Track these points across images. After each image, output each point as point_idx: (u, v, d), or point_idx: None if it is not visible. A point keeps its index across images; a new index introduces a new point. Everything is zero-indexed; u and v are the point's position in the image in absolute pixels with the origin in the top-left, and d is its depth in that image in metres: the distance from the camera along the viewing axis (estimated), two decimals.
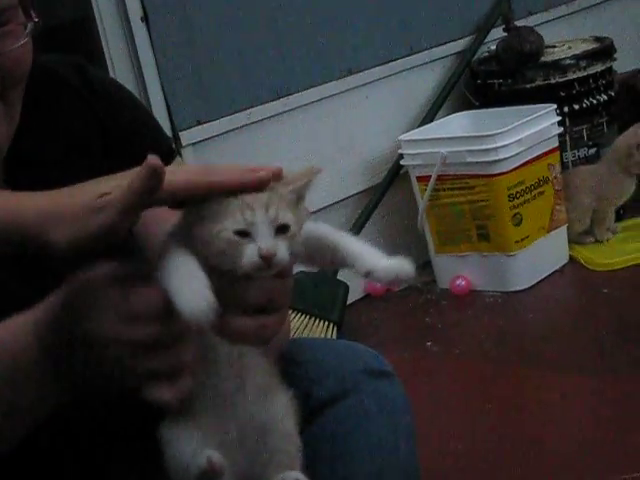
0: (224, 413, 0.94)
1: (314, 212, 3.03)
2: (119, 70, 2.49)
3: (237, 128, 2.64)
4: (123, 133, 1.16)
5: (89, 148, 1.15)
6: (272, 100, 2.72)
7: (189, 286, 0.84)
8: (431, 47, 3.12)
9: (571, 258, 2.90)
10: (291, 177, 0.91)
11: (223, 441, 0.93)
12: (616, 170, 2.93)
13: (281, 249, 0.85)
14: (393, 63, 3.01)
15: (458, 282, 2.83)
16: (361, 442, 1.11)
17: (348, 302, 2.77)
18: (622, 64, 3.30)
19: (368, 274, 0.93)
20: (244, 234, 0.85)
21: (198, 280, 0.84)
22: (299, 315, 2.56)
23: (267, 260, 0.85)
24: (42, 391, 0.92)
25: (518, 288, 2.77)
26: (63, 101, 1.16)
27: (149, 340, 0.88)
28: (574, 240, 2.94)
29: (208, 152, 2.57)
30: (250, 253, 0.85)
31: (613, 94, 3.15)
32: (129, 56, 2.51)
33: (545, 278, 2.81)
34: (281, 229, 0.86)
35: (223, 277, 0.86)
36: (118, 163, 0.94)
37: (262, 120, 2.69)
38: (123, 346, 0.88)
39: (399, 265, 0.92)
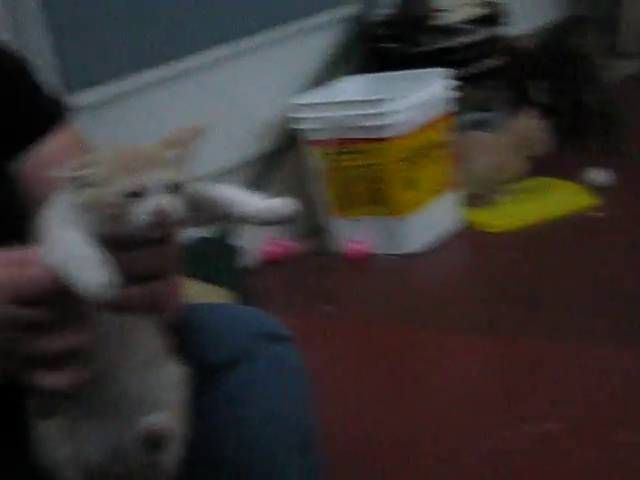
0: (106, 386, 0.92)
1: (208, 178, 3.00)
2: None
3: (129, 92, 2.59)
4: None
5: None
6: (164, 64, 2.67)
7: (84, 260, 0.81)
8: (325, 9, 3.11)
9: (465, 220, 2.94)
10: (174, 137, 0.89)
11: (97, 413, 0.92)
12: (513, 148, 2.98)
13: (173, 205, 0.84)
14: (286, 26, 2.99)
15: (354, 246, 2.85)
16: (256, 407, 1.10)
17: (245, 267, 2.77)
18: (512, 28, 3.34)
19: (252, 218, 0.90)
20: (134, 195, 0.83)
21: (93, 252, 0.81)
22: (194, 282, 2.54)
23: (160, 216, 0.83)
24: None
25: (413, 251, 2.80)
26: None
27: (37, 322, 0.84)
28: (468, 202, 2.98)
29: (101, 116, 2.51)
30: (142, 211, 0.83)
31: (504, 58, 3.19)
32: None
33: (440, 240, 2.85)
34: (170, 188, 0.85)
35: (109, 246, 0.84)
36: None
37: (155, 84, 2.65)
38: (8, 328, 0.85)
39: (281, 203, 0.89)
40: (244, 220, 0.91)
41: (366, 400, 2.08)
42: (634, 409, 1.86)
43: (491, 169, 2.98)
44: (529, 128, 3.01)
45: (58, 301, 0.83)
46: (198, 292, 2.51)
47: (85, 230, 0.83)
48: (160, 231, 0.84)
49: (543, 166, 3.04)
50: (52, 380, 0.86)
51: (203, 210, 0.92)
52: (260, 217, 0.90)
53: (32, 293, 0.83)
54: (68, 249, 0.82)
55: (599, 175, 3.01)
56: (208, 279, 2.58)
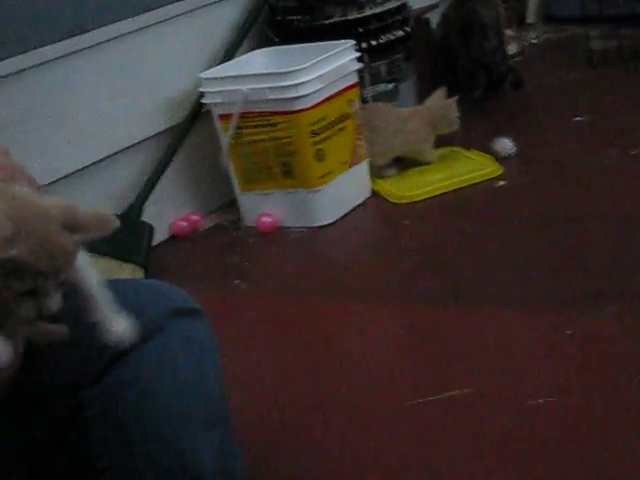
0: None
1: (117, 153, 2.97)
2: None
3: (29, 68, 2.52)
4: None
5: None
6: (65, 39, 2.61)
7: None
8: None
9: (374, 192, 2.96)
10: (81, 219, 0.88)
11: None
12: (424, 123, 3.01)
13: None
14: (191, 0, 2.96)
15: (264, 219, 2.85)
16: (167, 383, 1.10)
17: (154, 243, 2.75)
18: (415, 0, 3.37)
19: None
20: None
21: None
22: (103, 258, 2.51)
23: None
24: None
25: (323, 223, 2.81)
26: None
27: None
28: (376, 174, 3.00)
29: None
30: None
31: (409, 30, 3.21)
32: None
33: (349, 212, 2.87)
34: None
35: None
36: None
37: (55, 59, 2.59)
38: None
39: (122, 331, 1.00)
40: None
41: (280, 372, 2.09)
42: (544, 374, 1.90)
43: (397, 140, 3.01)
44: (442, 105, 3.03)
45: None
46: (108, 269, 2.48)
47: None
48: None
49: (450, 136, 3.08)
50: None
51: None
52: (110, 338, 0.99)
53: None
54: None
55: (503, 145, 3.05)
56: (117, 256, 2.55)
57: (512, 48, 3.86)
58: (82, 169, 2.67)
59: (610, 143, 3.02)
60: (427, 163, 3.05)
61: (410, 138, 3.02)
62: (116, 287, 1.17)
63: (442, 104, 3.04)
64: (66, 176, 2.61)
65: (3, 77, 2.46)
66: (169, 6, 2.89)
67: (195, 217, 2.94)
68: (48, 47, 2.57)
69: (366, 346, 2.15)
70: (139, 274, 2.59)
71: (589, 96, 3.49)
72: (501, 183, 2.88)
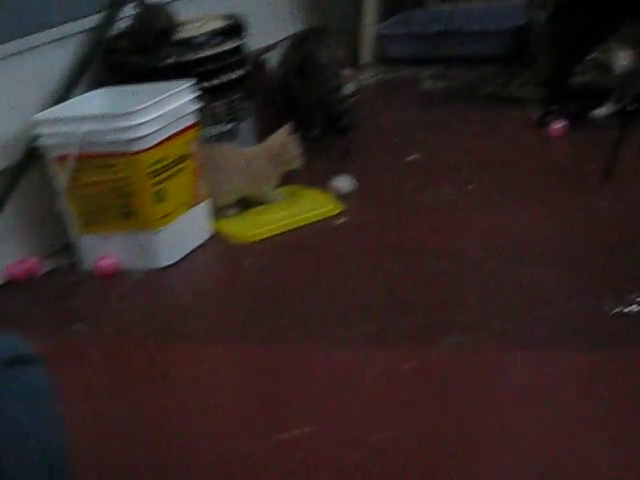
0: None
1: None
2: None
3: None
4: None
5: None
6: None
7: None
8: (64, 23, 3.04)
9: (215, 232, 2.96)
10: None
11: None
12: (267, 160, 3.04)
13: None
14: (23, 39, 2.90)
15: (104, 262, 2.80)
16: (2, 434, 1.07)
17: None
18: (252, 41, 3.40)
19: None
20: None
21: None
22: None
23: None
24: None
25: (164, 264, 2.79)
26: None
27: None
28: (218, 214, 3.00)
29: None
30: None
31: (247, 70, 3.24)
32: None
33: (191, 253, 2.85)
34: None
35: None
36: None
37: None
38: None
39: None
40: None
41: (121, 417, 2.05)
42: (384, 409, 1.93)
43: (240, 180, 3.02)
44: (284, 144, 3.07)
45: None
46: None
47: None
48: None
49: (291, 174, 3.11)
50: None
51: None
52: None
53: None
54: None
55: (343, 182, 3.11)
56: None
57: (348, 88, 3.94)
58: None
59: (444, 180, 3.12)
60: (269, 202, 3.07)
61: (255, 178, 3.04)
62: None
63: (283, 142, 3.08)
64: None
65: None
66: (5, 44, 2.82)
67: (31, 261, 2.86)
68: None
69: (207, 388, 2.14)
70: None
71: (423, 135, 3.60)
72: (341, 220, 2.93)
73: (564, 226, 2.67)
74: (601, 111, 3.44)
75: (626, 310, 2.14)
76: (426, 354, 2.11)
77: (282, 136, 3.09)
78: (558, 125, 3.35)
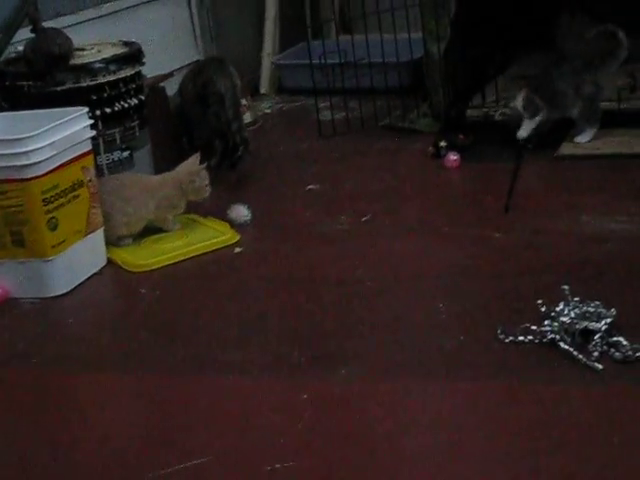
0: None
1: None
2: None
3: None
4: None
5: None
6: None
7: None
8: None
9: (110, 260, 2.91)
10: None
11: None
12: (174, 191, 3.01)
13: None
14: None
15: None
16: None
17: None
18: (150, 68, 3.38)
19: None
20: None
21: None
22: None
23: None
24: None
25: (58, 293, 2.73)
26: None
27: None
28: (112, 243, 2.96)
29: None
30: None
31: (143, 98, 3.21)
32: None
33: (85, 281, 2.80)
34: None
35: None
36: None
37: None
38: None
39: None
40: None
41: (13, 448, 1.99)
42: (282, 438, 1.91)
43: (146, 209, 2.99)
44: (192, 173, 3.04)
45: None
46: None
47: None
48: None
49: (190, 204, 3.09)
50: None
51: None
52: None
53: None
54: None
55: (239, 212, 3.10)
56: None
57: (246, 117, 3.94)
58: None
59: (341, 210, 3.13)
60: (167, 231, 3.04)
61: (161, 206, 3.01)
62: None
63: (192, 171, 3.05)
64: None
65: None
66: None
67: None
68: None
69: (102, 419, 2.10)
70: None
71: (321, 165, 3.62)
72: (238, 250, 2.91)
73: (459, 257, 2.71)
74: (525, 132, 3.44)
75: (519, 339, 2.18)
76: (322, 384, 2.10)
77: (191, 165, 3.06)
78: (454, 157, 3.41)
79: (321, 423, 1.96)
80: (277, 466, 1.80)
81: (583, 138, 3.41)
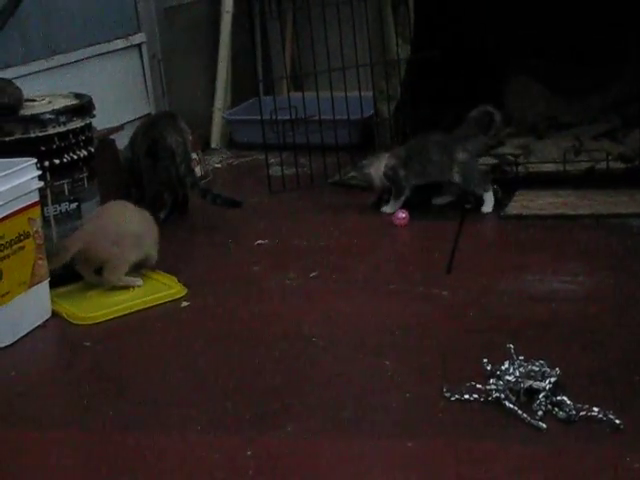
0: None
1: None
2: None
3: None
4: None
5: None
6: None
7: None
8: None
9: (54, 312, 2.87)
10: None
11: None
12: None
13: None
14: None
15: None
16: None
17: None
18: (100, 120, 3.37)
19: None
20: None
21: None
22: None
23: None
24: None
25: (0, 345, 2.69)
26: None
27: None
28: (57, 295, 2.93)
29: None
30: None
31: (93, 149, 3.20)
32: None
33: (28, 334, 2.76)
34: None
35: None
36: None
37: None
38: None
39: None
40: None
41: None
42: None
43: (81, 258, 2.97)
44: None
45: None
46: None
47: None
48: None
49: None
50: None
51: None
52: None
53: None
54: None
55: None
56: None
57: (197, 172, 3.94)
58: None
59: (290, 265, 3.13)
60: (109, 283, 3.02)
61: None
62: None
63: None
64: None
65: None
66: None
67: None
68: None
69: (46, 476, 2.05)
70: None
71: (270, 220, 3.62)
72: (184, 304, 2.89)
73: (406, 315, 2.71)
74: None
75: (465, 397, 2.18)
76: (267, 440, 2.09)
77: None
78: (403, 215, 3.43)
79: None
80: None
81: (487, 208, 3.48)
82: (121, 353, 2.63)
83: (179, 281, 3.02)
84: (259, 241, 3.38)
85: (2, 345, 2.69)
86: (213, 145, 4.73)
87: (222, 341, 2.64)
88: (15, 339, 2.72)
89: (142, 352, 2.62)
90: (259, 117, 3.96)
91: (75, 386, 2.46)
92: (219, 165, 4.48)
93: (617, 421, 2.03)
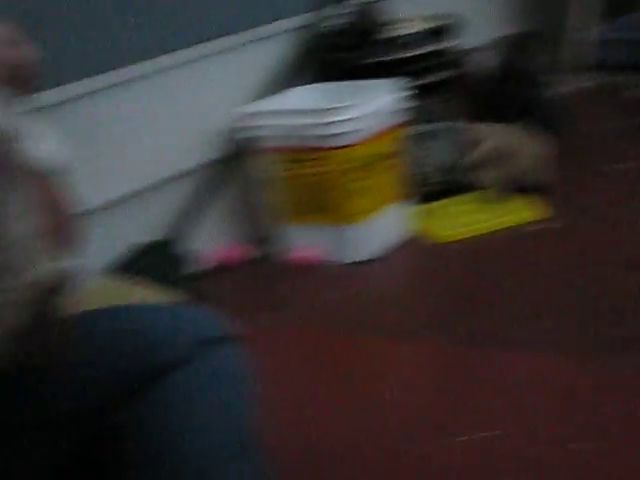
0: None
1: (159, 182, 2.99)
2: None
3: (74, 98, 2.57)
4: None
5: None
6: (110, 70, 2.67)
7: None
8: (276, 20, 3.13)
9: (415, 230, 2.96)
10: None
11: None
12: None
13: None
14: (241, 34, 3.01)
15: (302, 253, 2.86)
16: (196, 410, 1.10)
17: (195, 273, 2.77)
18: (465, 42, 3.38)
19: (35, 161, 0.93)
20: None
21: None
22: (141, 286, 2.54)
23: None
24: None
25: (362, 259, 2.82)
26: None
27: None
28: (419, 212, 3.01)
29: (58, 117, 2.48)
30: None
31: (456, 70, 3.23)
32: None
33: (389, 249, 2.87)
34: None
35: None
36: None
37: (101, 90, 2.63)
38: None
39: (53, 156, 0.94)
40: None
41: (311, 408, 2.09)
42: (592, 419, 1.88)
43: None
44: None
45: None
46: (146, 295, 2.51)
47: None
48: None
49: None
50: None
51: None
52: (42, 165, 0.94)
53: None
54: None
55: None
56: (156, 283, 2.58)
57: (553, 93, 3.86)
58: (124, 197, 2.71)
59: None
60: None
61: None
62: (147, 312, 1.19)
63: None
64: (108, 202, 2.65)
65: (57, 104, 2.49)
66: (216, 40, 2.94)
67: (237, 247, 2.96)
68: (96, 77, 2.62)
69: (396, 383, 2.15)
70: (176, 301, 2.60)
71: (629, 143, 3.48)
72: (539, 227, 2.87)
73: None
74: None
75: None
76: (615, 370, 2.04)
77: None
78: None
79: (603, 408, 1.89)
80: (571, 446, 1.78)
81: None
82: (476, 272, 2.66)
83: (542, 203, 2.99)
84: (617, 165, 3.26)
85: (364, 259, 2.82)
86: (569, 66, 4.59)
87: (575, 266, 2.59)
88: (375, 254, 2.84)
89: (498, 270, 2.64)
90: (625, 37, 3.79)
91: (429, 301, 2.53)
92: (574, 88, 4.35)
93: None
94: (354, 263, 2.81)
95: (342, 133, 2.73)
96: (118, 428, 1.11)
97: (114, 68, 2.67)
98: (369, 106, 2.79)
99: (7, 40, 0.96)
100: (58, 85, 2.52)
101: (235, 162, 2.97)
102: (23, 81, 0.99)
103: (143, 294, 2.52)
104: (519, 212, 2.96)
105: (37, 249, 0.93)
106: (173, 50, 2.82)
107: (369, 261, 2.82)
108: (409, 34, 3.14)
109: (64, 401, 1.11)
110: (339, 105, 2.73)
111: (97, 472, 1.15)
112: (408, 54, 3.11)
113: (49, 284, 0.93)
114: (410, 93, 3.06)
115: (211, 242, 2.94)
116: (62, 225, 1.03)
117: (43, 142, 0.93)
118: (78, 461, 1.15)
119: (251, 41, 3.04)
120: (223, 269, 2.92)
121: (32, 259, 0.91)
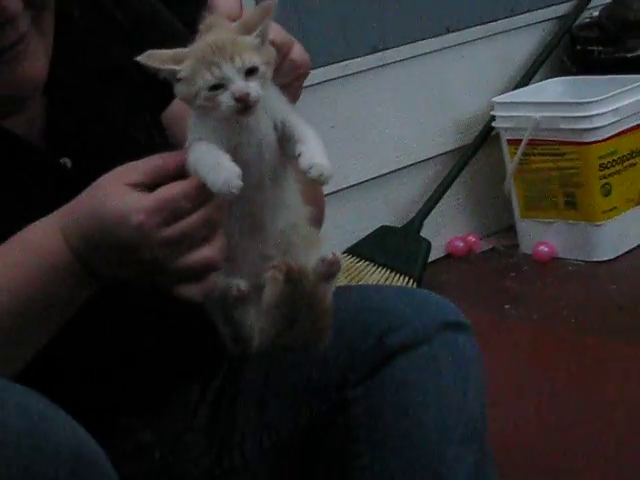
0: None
1: (403, 168, 3.02)
2: None
3: (332, 79, 2.65)
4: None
5: (125, 73, 1.15)
6: (368, 54, 2.72)
7: (215, 164, 0.92)
8: (532, 10, 3.09)
9: None
10: (248, 20, 0.96)
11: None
12: None
13: (253, 88, 0.92)
14: (492, 24, 2.99)
15: (541, 248, 2.82)
16: (430, 391, 1.12)
17: (429, 260, 2.79)
18: None
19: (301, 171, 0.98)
20: (218, 87, 0.92)
21: (221, 157, 0.92)
22: (380, 268, 2.59)
23: (242, 100, 0.92)
24: (73, 291, 0.98)
25: (602, 258, 2.74)
26: (97, 26, 1.16)
27: (180, 235, 0.93)
28: None
29: (301, 101, 2.57)
30: (225, 100, 0.92)
31: None
32: None
33: (630, 250, 2.78)
34: (250, 72, 0.92)
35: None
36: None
37: (357, 73, 2.70)
38: (156, 246, 0.92)
39: (318, 170, 0.98)
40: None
41: (543, 402, 2.06)
42: None
43: None
44: None
45: (199, 207, 0.93)
46: (384, 278, 2.55)
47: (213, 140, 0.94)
48: (245, 114, 0.93)
49: None
50: (188, 292, 0.95)
51: (282, 137, 1.00)
52: (306, 175, 0.98)
53: (179, 206, 0.92)
54: (204, 159, 0.93)
55: None
56: (394, 267, 2.61)
57: None
58: (369, 180, 2.76)
59: None
60: None
61: None
62: (388, 294, 1.22)
63: None
64: (353, 185, 2.71)
65: (311, 85, 2.57)
66: (469, 29, 2.93)
67: (472, 238, 2.95)
68: (354, 60, 2.69)
69: (623, 388, 2.08)
70: (412, 286, 2.63)
71: None
72: None
73: None
74: None
75: None
76: None
77: None
78: None
79: None
80: None
81: None
82: None
83: None
84: None
85: (606, 258, 2.74)
86: None
87: None
88: (618, 254, 2.76)
89: None
90: None
91: None
92: None
93: None
94: (594, 262, 2.74)
95: (593, 128, 2.66)
96: (348, 404, 1.14)
97: (368, 53, 2.73)
98: (621, 102, 2.70)
99: (286, 37, 1.02)
100: (316, 67, 2.60)
101: (478, 152, 2.96)
102: (295, 78, 1.04)
103: (382, 277, 2.56)
104: None
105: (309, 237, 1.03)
106: (427, 37, 2.84)
107: (610, 261, 2.74)
108: None
109: (310, 371, 1.16)
110: (590, 100, 2.66)
111: (314, 448, 1.18)
112: None
113: (319, 272, 1.01)
114: None
115: (446, 230, 2.95)
116: (320, 217, 1.14)
117: (311, 144, 0.99)
118: (310, 430, 1.18)
119: (504, 31, 3.01)
120: (457, 258, 2.91)
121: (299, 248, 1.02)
